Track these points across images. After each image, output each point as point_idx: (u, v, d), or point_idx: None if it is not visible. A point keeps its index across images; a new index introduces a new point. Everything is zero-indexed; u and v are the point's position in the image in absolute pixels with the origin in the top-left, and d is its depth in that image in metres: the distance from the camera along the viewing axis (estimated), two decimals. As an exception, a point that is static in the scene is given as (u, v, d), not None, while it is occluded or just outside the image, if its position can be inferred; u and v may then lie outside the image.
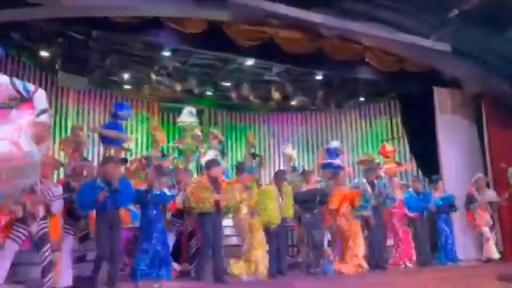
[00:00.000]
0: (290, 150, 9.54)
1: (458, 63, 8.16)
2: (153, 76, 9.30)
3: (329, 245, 6.97)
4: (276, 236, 6.13)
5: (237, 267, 5.70)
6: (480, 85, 8.78)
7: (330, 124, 12.07)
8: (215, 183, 5.65)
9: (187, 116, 6.29)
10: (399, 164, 8.99)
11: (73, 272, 5.27)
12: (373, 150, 11.25)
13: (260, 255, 5.78)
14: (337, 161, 7.83)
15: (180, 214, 6.07)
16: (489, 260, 7.48)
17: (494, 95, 8.61)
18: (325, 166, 8.21)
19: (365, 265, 6.53)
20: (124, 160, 7.42)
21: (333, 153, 8.18)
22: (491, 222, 7.83)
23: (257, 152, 10.10)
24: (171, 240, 5.86)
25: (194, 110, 6.29)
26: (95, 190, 5.03)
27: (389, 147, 8.93)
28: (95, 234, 5.23)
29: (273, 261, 6.02)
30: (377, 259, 6.73)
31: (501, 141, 8.40)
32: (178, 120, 6.50)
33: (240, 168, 6.48)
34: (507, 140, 8.29)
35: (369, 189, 6.83)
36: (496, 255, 7.54)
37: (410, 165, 9.71)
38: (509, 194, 7.81)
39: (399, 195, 7.54)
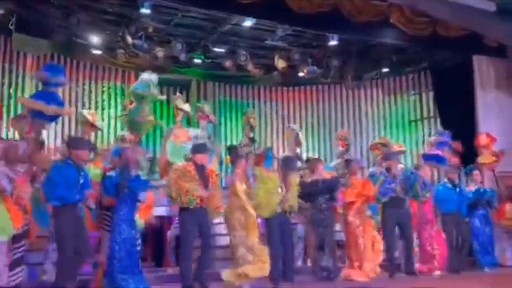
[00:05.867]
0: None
1: (504, 26, 8.10)
2: (129, 39, 9.23)
3: (341, 246, 7.02)
4: (280, 235, 6.17)
5: (229, 273, 5.75)
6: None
7: (346, 101, 12.05)
8: (202, 173, 5.69)
9: (146, 84, 6.22)
10: (497, 155, 8.83)
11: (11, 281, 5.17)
12: (398, 132, 11.27)
13: (254, 258, 5.85)
14: (441, 153, 7.86)
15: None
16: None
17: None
18: (428, 157, 8.21)
19: (378, 270, 6.61)
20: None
21: (443, 145, 8.22)
22: None
23: (256, 136, 10.14)
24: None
25: (155, 77, 6.23)
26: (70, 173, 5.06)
27: (485, 137, 8.84)
28: (56, 232, 5.25)
29: (277, 264, 6.05)
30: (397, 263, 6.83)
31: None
32: (134, 87, 6.45)
33: (235, 152, 6.50)
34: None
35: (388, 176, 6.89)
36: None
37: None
38: None
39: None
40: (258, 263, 5.78)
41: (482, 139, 8.52)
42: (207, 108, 9.25)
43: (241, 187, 5.93)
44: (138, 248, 5.50)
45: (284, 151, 11.27)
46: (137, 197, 5.55)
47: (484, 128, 8.91)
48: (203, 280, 5.61)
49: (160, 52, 9.71)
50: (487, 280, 6.81)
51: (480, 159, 8.49)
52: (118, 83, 10.51)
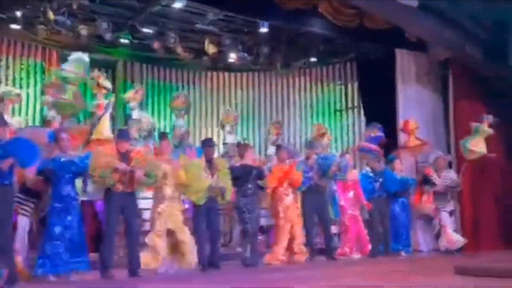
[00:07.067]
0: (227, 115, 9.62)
1: (426, 22, 8.34)
2: (51, 15, 8.76)
3: (266, 231, 7.11)
4: (205, 221, 6.15)
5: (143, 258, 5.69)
6: (449, 51, 9.11)
7: (275, 88, 12.14)
8: (123, 160, 5.52)
9: (75, 65, 5.98)
10: (422, 141, 9.11)
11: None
12: (324, 120, 11.49)
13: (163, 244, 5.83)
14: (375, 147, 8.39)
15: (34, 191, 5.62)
16: (447, 252, 7.94)
17: (464, 64, 8.97)
18: (363, 149, 8.62)
19: (302, 254, 6.75)
20: None
21: (378, 138, 8.64)
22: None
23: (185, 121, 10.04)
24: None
25: (86, 58, 5.99)
26: None
27: (413, 123, 9.15)
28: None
29: (202, 251, 6.06)
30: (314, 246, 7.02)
31: (468, 116, 8.81)
32: (63, 67, 6.21)
33: (162, 136, 6.45)
34: (474, 117, 8.71)
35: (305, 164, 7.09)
36: (455, 245, 8.00)
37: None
38: (466, 168, 8.29)
39: (354, 174, 7.79)
40: (155, 252, 5.77)
41: (406, 124, 8.92)
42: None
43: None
44: (75, 231, 5.32)
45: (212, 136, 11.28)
46: (73, 179, 5.39)
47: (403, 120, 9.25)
48: (135, 266, 5.51)
49: (83, 30, 9.29)
50: (402, 264, 7.13)
51: (406, 144, 8.85)
52: (39, 61, 9.96)
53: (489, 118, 8.22)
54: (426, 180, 8.15)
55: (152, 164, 5.64)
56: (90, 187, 5.77)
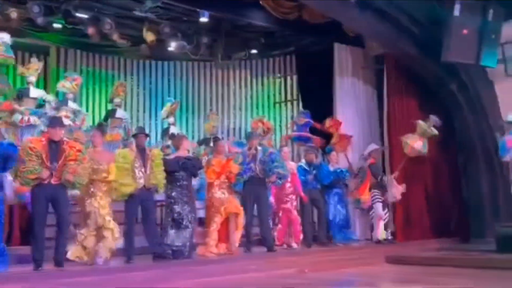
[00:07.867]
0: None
1: (362, 17, 8.46)
2: (-22, -4, 8.30)
3: (200, 224, 7.07)
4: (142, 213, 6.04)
5: (74, 251, 5.55)
6: (385, 46, 9.35)
7: (215, 79, 12.01)
8: (54, 150, 5.32)
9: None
10: (343, 138, 9.23)
11: None
12: (264, 113, 11.51)
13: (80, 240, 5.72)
14: (306, 133, 8.65)
15: None
16: (379, 242, 8.18)
17: (398, 59, 9.22)
18: (298, 139, 8.90)
19: (236, 247, 6.77)
20: None
21: (307, 125, 8.86)
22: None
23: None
24: None
25: (7, 38, 5.68)
26: None
27: (329, 121, 9.26)
28: None
29: (130, 242, 5.96)
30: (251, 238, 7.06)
31: (400, 111, 9.10)
32: None
33: (100, 128, 6.27)
34: (407, 112, 9.01)
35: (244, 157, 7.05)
36: (385, 235, 8.27)
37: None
38: (403, 166, 8.55)
39: (292, 166, 7.86)
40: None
41: (327, 123, 9.13)
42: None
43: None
44: None
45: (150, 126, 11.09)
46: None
47: (341, 113, 9.44)
48: (60, 259, 5.38)
49: (14, 13, 8.82)
50: (335, 253, 7.31)
51: (332, 141, 9.08)
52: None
53: (435, 120, 8.41)
54: (374, 169, 8.32)
55: (82, 173, 5.43)
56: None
